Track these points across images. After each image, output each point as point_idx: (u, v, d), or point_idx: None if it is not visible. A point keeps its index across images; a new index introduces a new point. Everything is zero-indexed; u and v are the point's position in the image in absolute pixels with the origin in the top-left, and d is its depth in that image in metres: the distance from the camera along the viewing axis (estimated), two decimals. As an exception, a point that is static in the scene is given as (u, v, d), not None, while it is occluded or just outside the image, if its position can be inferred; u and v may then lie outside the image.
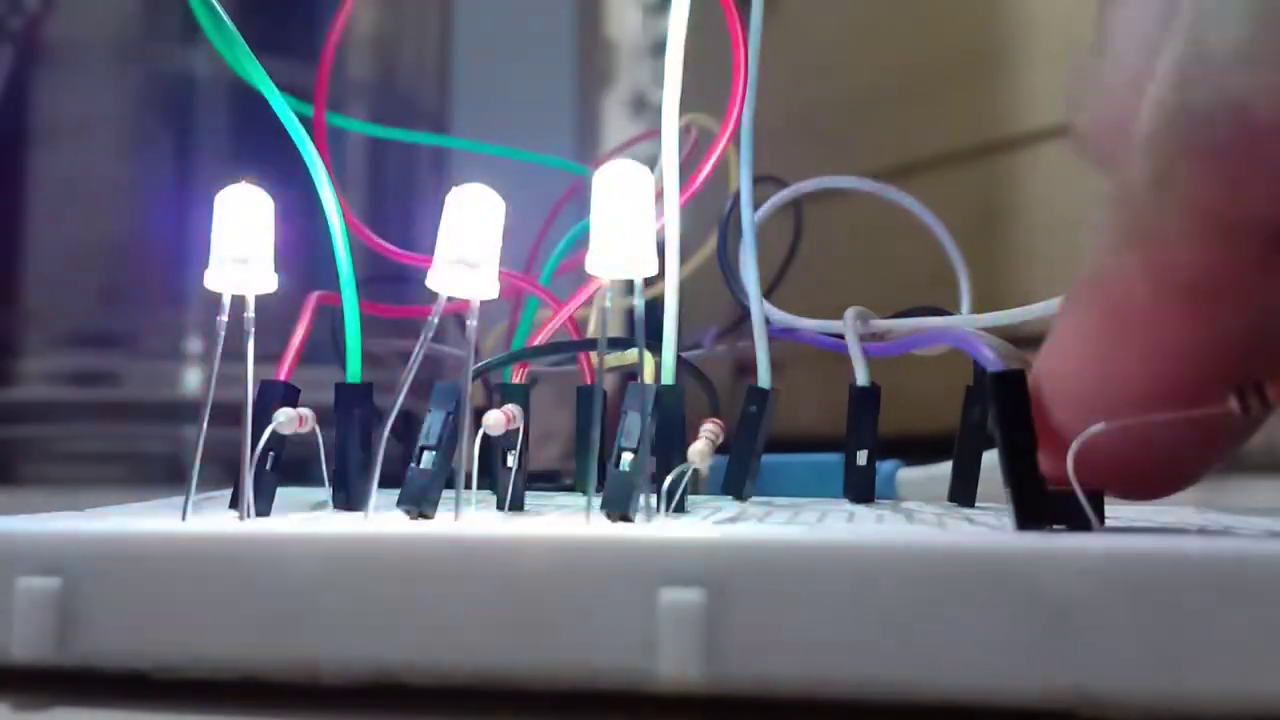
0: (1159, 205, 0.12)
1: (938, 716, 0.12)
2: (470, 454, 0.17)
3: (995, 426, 0.14)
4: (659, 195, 0.18)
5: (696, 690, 0.12)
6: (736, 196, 0.21)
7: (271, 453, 0.17)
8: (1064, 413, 0.14)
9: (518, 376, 0.19)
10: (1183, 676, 0.11)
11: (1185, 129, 0.12)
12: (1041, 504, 0.14)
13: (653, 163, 0.18)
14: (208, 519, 0.16)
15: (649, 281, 0.16)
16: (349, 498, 0.18)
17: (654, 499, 0.15)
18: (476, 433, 0.17)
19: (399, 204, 0.75)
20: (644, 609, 0.12)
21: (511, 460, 0.18)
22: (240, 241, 0.16)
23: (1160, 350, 0.13)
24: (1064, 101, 0.16)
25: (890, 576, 0.11)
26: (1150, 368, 0.13)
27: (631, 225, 0.15)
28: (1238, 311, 0.12)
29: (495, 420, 0.17)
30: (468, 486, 0.16)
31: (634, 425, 0.15)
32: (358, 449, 0.18)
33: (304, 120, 0.18)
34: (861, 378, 0.21)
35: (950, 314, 0.21)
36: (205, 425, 0.16)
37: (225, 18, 0.17)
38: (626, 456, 0.15)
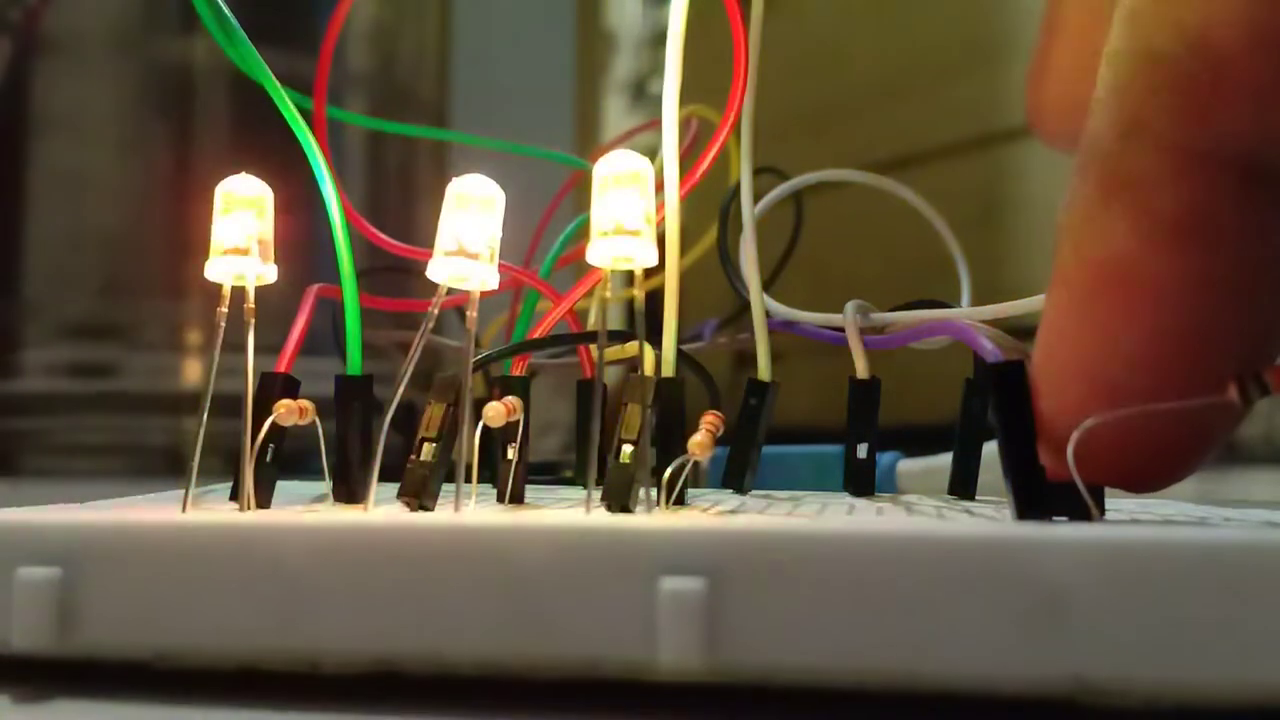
0: (1132, 152, 0.13)
1: (937, 705, 0.12)
2: (471, 446, 0.17)
3: (995, 417, 0.14)
4: (659, 187, 0.18)
5: (697, 679, 0.12)
6: (737, 188, 0.21)
7: (271, 445, 0.17)
8: (1063, 400, 0.14)
9: (518, 369, 0.19)
10: (1182, 666, 0.11)
11: (1147, 72, 0.12)
12: (1041, 494, 0.14)
13: (653, 154, 0.18)
14: (208, 511, 0.16)
15: (649, 273, 0.16)
16: (349, 490, 0.18)
17: (654, 491, 0.15)
18: (477, 425, 0.17)
19: (399, 196, 0.75)
20: (644, 598, 0.12)
21: (512, 453, 0.18)
22: (240, 233, 0.16)
23: (1154, 302, 0.13)
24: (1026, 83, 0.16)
25: (890, 567, 0.11)
26: (1147, 324, 0.13)
27: (631, 217, 0.15)
28: (1225, 249, 0.12)
29: (495, 412, 0.17)
30: (468, 479, 0.16)
31: (634, 417, 0.15)
32: (358, 441, 0.18)
33: (303, 112, 0.18)
34: (861, 370, 0.21)
35: (950, 306, 0.21)
36: (205, 417, 0.16)
37: (225, 9, 0.17)
38: (626, 449, 0.15)
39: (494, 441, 0.18)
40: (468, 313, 0.17)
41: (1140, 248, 0.13)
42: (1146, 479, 0.14)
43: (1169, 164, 0.12)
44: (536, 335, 0.20)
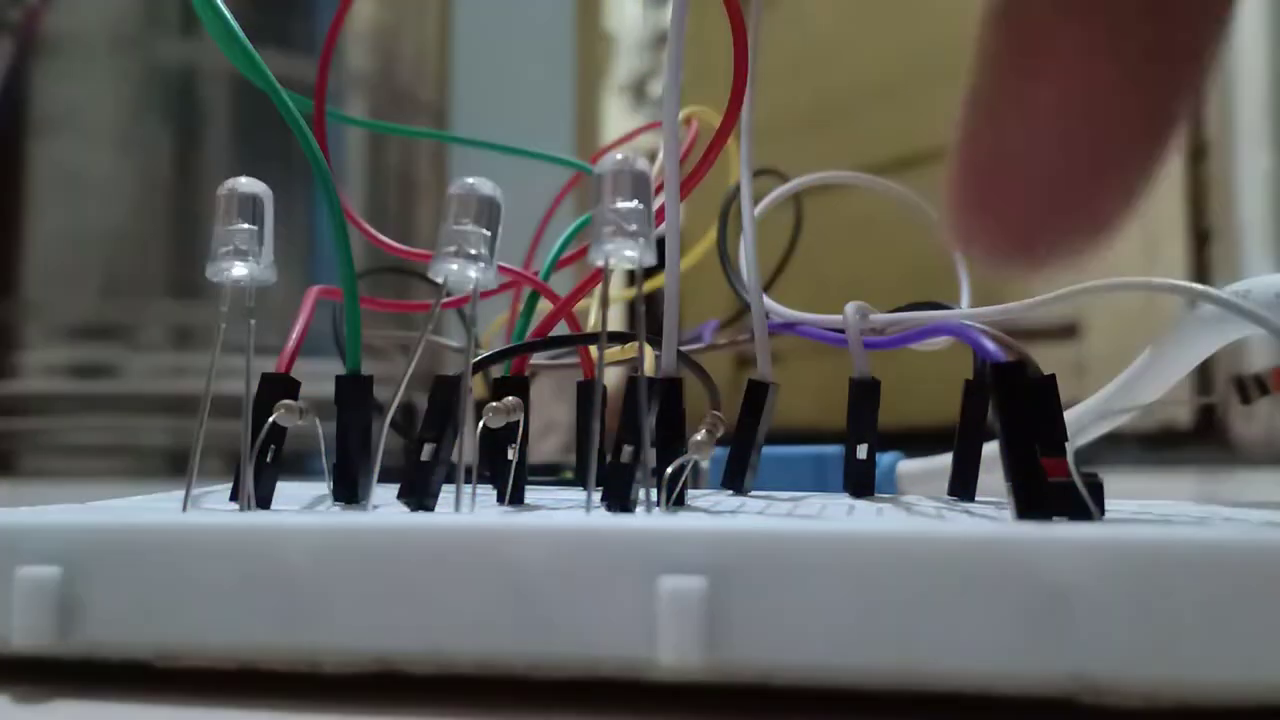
0: None
1: (937, 704, 0.12)
2: (471, 447, 0.17)
3: (995, 417, 0.14)
4: (659, 188, 0.18)
5: (696, 678, 0.12)
6: (737, 189, 0.21)
7: (272, 445, 0.17)
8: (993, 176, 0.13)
9: (518, 369, 0.19)
10: (1181, 664, 0.11)
11: None
12: (1041, 494, 0.14)
13: (653, 155, 0.18)
14: (208, 511, 0.16)
15: (649, 274, 0.16)
16: (349, 490, 0.18)
17: (654, 491, 0.15)
18: (477, 425, 0.17)
19: (399, 198, 0.75)
20: (644, 598, 0.12)
21: (512, 453, 0.18)
22: (241, 234, 0.16)
23: (1061, 71, 0.13)
24: None
25: (890, 567, 0.11)
26: (1055, 90, 0.13)
27: (631, 217, 0.15)
28: (1125, 23, 0.13)
29: (495, 413, 0.17)
30: (468, 479, 0.16)
31: (634, 418, 0.15)
32: (358, 441, 0.18)
33: (303, 114, 0.18)
34: (861, 371, 0.21)
35: (950, 307, 0.21)
36: (205, 417, 0.16)
37: (225, 10, 0.17)
38: (627, 449, 0.15)
39: (494, 442, 0.18)
40: (468, 313, 0.17)
41: (1049, 14, 0.13)
42: (1097, 225, 0.14)
43: None
44: (536, 336, 0.20)
